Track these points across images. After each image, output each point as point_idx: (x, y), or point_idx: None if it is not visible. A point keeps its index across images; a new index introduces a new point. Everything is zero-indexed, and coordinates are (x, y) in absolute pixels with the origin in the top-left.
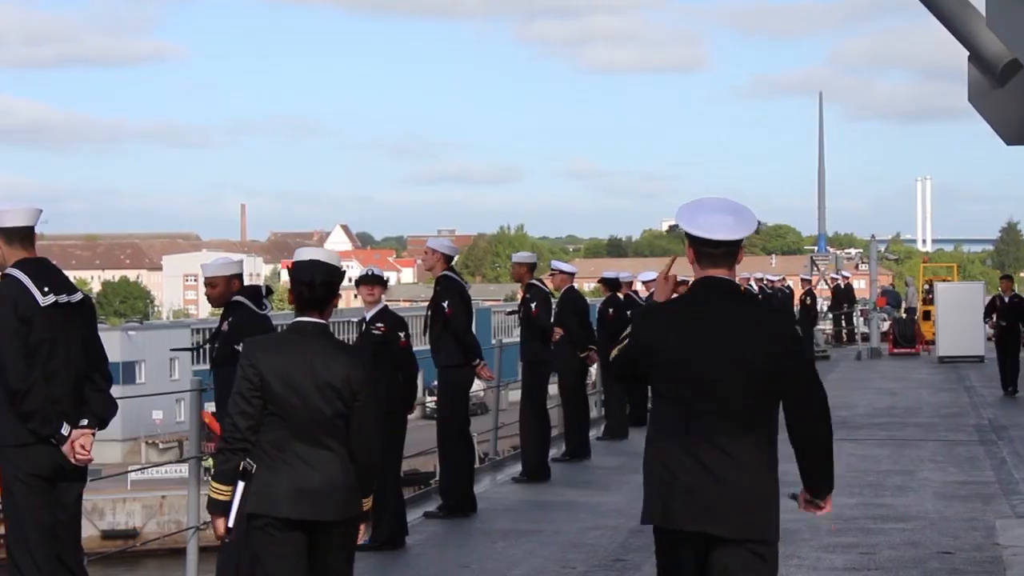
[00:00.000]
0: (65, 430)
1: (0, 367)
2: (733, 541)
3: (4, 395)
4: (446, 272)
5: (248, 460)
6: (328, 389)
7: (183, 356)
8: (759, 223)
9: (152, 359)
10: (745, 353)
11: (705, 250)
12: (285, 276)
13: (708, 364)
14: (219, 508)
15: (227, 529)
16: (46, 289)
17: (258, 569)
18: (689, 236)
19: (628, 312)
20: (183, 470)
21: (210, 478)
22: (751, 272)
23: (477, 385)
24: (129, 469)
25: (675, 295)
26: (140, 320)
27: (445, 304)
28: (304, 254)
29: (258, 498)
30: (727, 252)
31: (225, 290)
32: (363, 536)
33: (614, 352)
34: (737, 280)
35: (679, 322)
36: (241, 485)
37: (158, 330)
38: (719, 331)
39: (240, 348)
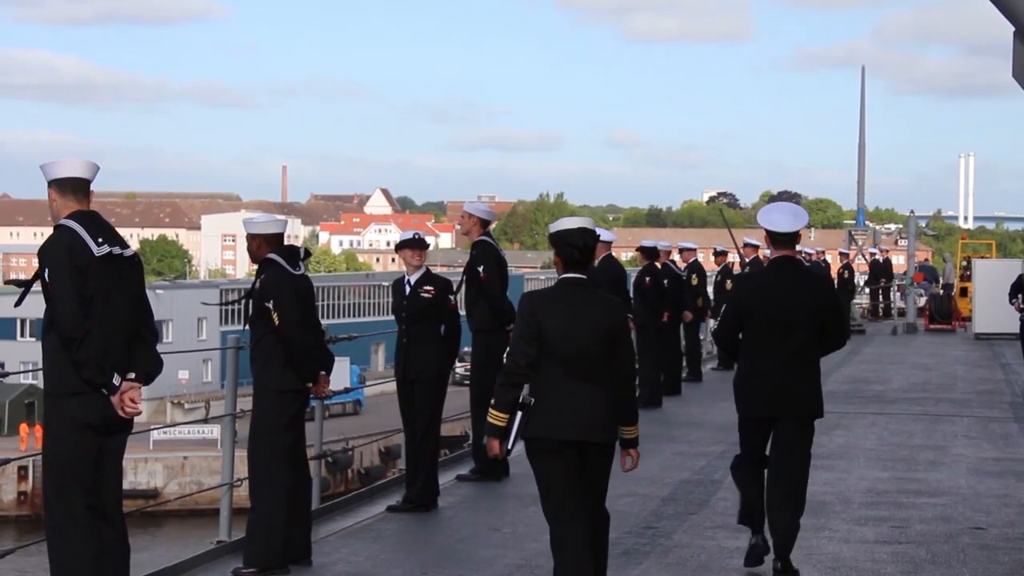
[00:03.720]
0: (117, 381)
1: (55, 315)
2: (792, 418)
3: (57, 343)
4: (483, 237)
5: (526, 394)
6: (595, 332)
7: (211, 316)
8: (799, 196)
9: (180, 319)
10: (804, 303)
11: (777, 238)
12: (324, 238)
13: (784, 310)
14: (497, 432)
15: (503, 450)
16: (100, 240)
17: (539, 484)
18: (769, 232)
19: (666, 281)
20: (207, 431)
21: (491, 407)
22: None
23: None
24: (163, 425)
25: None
26: (172, 279)
27: (481, 268)
28: (572, 223)
29: (537, 424)
30: (789, 239)
31: (260, 248)
32: (636, 462)
33: (719, 323)
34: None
35: (764, 285)
36: (519, 415)
37: (187, 289)
38: (788, 290)
39: (270, 305)
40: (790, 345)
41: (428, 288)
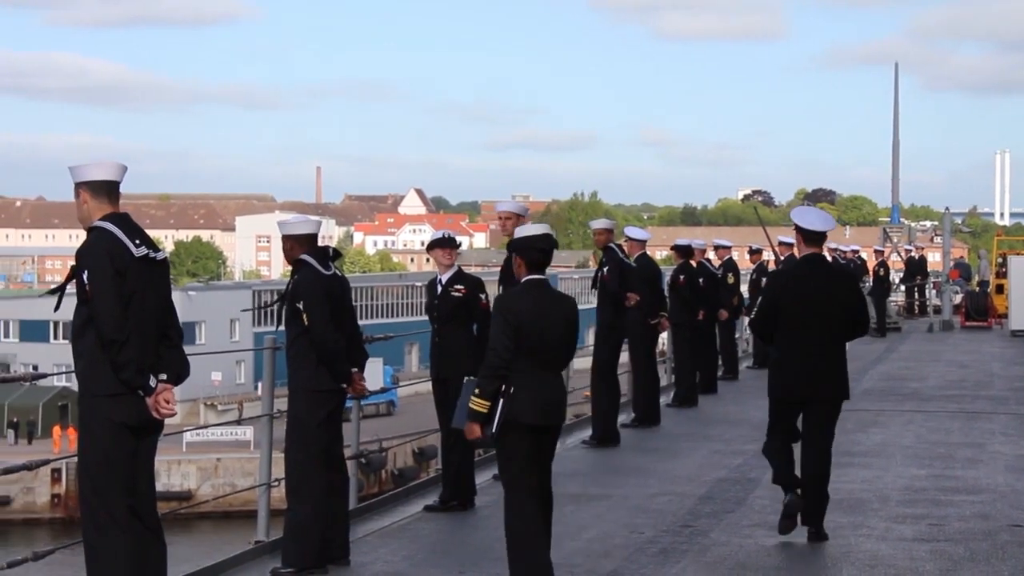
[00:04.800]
0: (153, 382)
1: (96, 317)
2: (823, 401)
3: (96, 346)
4: None
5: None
6: (560, 326)
7: (244, 317)
8: (834, 193)
9: (212, 320)
10: (833, 296)
11: (809, 236)
12: (358, 239)
13: (814, 303)
14: (480, 418)
15: (484, 435)
16: (137, 242)
17: (508, 463)
18: (800, 228)
19: (701, 280)
20: (240, 432)
21: (475, 396)
22: (825, 243)
23: None
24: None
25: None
26: (206, 280)
27: None
28: (536, 229)
29: (516, 410)
30: (820, 238)
31: (293, 249)
32: None
33: (754, 312)
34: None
35: (796, 280)
36: (501, 402)
37: (219, 291)
38: (818, 285)
39: (301, 306)
40: (820, 334)
41: (458, 287)
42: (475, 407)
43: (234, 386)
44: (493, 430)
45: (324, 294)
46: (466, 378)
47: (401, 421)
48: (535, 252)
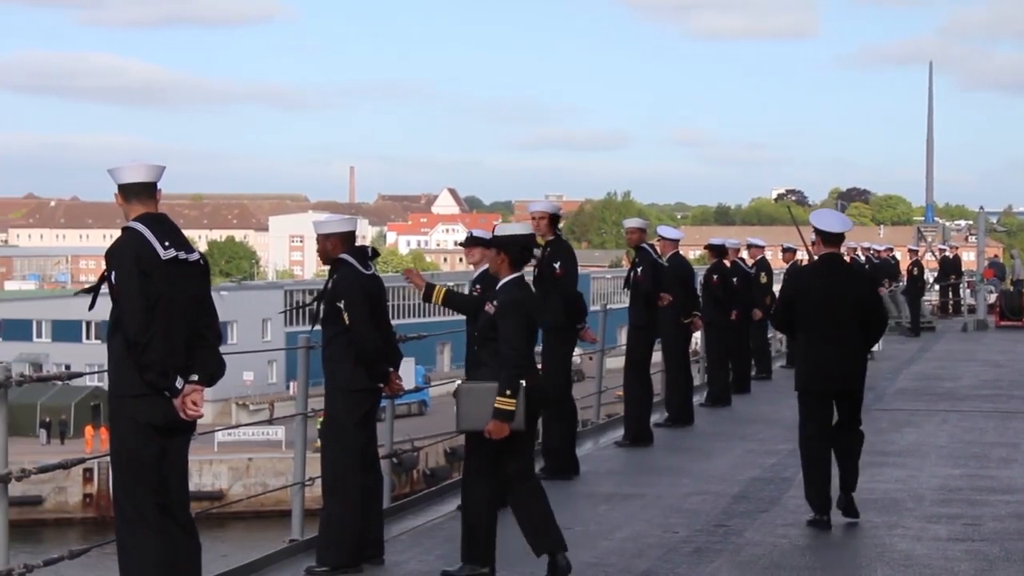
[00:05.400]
0: (179, 384)
1: (121, 318)
2: (847, 392)
3: (124, 346)
4: (557, 234)
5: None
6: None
7: (276, 317)
8: (868, 193)
9: (244, 320)
10: (847, 294)
11: (828, 237)
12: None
13: (829, 300)
14: (509, 416)
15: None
16: (167, 243)
17: (488, 450)
18: (818, 230)
19: (734, 279)
20: (271, 432)
21: (505, 396)
22: (858, 242)
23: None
24: (227, 426)
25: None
26: (239, 280)
27: (556, 265)
28: (520, 228)
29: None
30: (838, 239)
31: (334, 248)
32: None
33: (772, 309)
34: (845, 249)
35: (814, 277)
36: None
37: (251, 291)
38: (834, 283)
39: (341, 305)
40: (838, 330)
41: (478, 287)
42: (504, 406)
43: (266, 386)
44: (523, 426)
45: (364, 293)
46: (460, 383)
47: (433, 421)
48: (520, 250)
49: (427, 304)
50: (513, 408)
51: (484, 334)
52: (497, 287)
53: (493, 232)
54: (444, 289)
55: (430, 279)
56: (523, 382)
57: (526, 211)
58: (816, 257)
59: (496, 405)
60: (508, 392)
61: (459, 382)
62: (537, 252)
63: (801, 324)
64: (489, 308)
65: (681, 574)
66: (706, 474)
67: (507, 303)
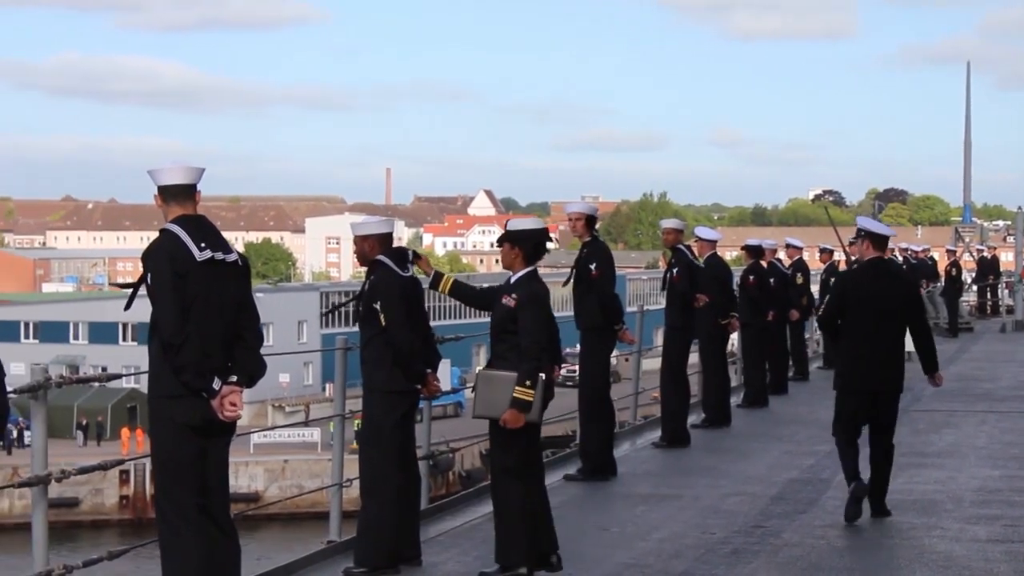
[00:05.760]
0: (216, 385)
1: (156, 320)
2: (887, 392)
3: (159, 348)
4: (594, 235)
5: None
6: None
7: (312, 319)
8: (906, 193)
9: (280, 322)
10: (892, 295)
11: (877, 241)
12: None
13: (875, 301)
14: (527, 407)
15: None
16: (203, 245)
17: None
18: (869, 233)
19: (771, 280)
20: (307, 434)
21: (525, 387)
22: (896, 243)
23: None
24: (262, 428)
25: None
26: (275, 282)
27: (593, 266)
28: (534, 222)
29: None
30: (885, 243)
31: (372, 249)
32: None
33: (821, 308)
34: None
35: (860, 280)
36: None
37: (287, 293)
38: (879, 284)
39: (378, 306)
40: (882, 331)
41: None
42: (523, 396)
43: (302, 388)
44: (538, 418)
45: (401, 295)
46: (480, 370)
47: (468, 423)
48: (534, 245)
49: (435, 293)
50: (532, 399)
51: (502, 327)
52: (512, 281)
53: (505, 227)
54: (452, 279)
55: (466, 280)
56: (542, 375)
57: (563, 212)
58: (854, 258)
59: (515, 395)
60: (528, 383)
61: (479, 370)
62: (551, 246)
63: (846, 325)
64: (508, 301)
65: (719, 575)
66: (744, 475)
67: (527, 296)
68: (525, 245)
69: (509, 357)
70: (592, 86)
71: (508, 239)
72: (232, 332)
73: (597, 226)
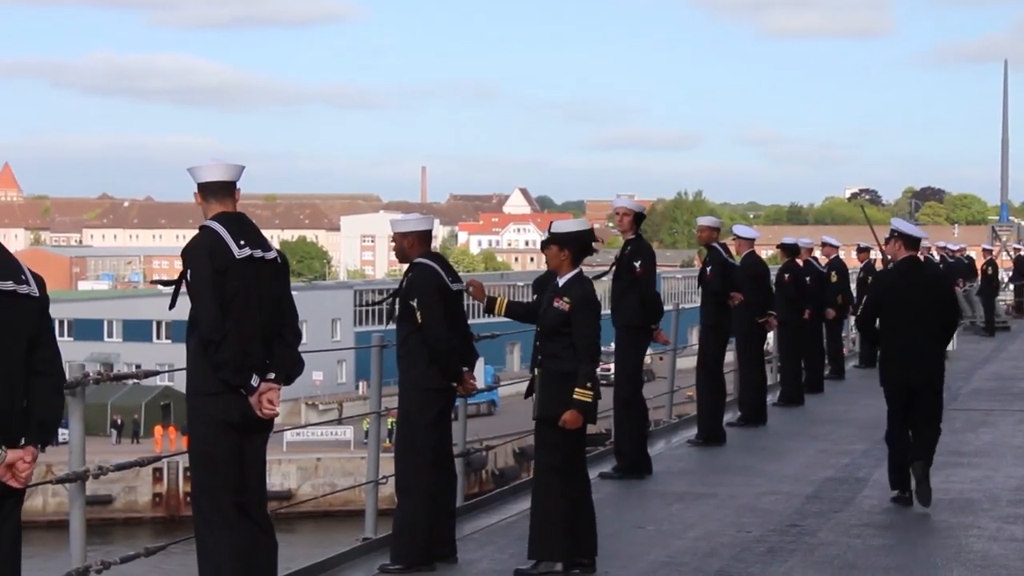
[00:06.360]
0: (255, 382)
1: (195, 316)
2: (927, 387)
3: (198, 344)
4: (639, 233)
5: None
6: None
7: (345, 317)
8: (943, 192)
9: (313, 319)
10: (926, 293)
11: (911, 242)
12: (463, 238)
13: (911, 300)
14: (587, 407)
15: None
16: (242, 242)
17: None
18: (903, 234)
19: (807, 278)
20: (340, 432)
21: (586, 388)
22: (933, 241)
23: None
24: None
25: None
26: (310, 280)
27: (637, 264)
28: (581, 224)
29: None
30: (918, 244)
31: (411, 247)
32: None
33: (859, 310)
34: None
35: (896, 279)
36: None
37: (321, 291)
38: (914, 283)
39: (415, 304)
40: (916, 329)
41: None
42: (584, 398)
43: (335, 386)
44: (594, 420)
45: (438, 292)
46: (537, 370)
47: (502, 421)
48: (582, 246)
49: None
50: (591, 400)
51: (556, 329)
52: (562, 283)
53: (550, 229)
54: (506, 301)
55: (499, 279)
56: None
57: (607, 208)
58: (890, 256)
59: (576, 396)
60: (588, 384)
61: (537, 371)
62: (596, 246)
63: (884, 322)
64: (560, 304)
65: (754, 574)
66: (779, 474)
67: (581, 299)
68: (572, 246)
69: (563, 356)
70: (627, 84)
71: (555, 241)
72: (271, 330)
73: (642, 223)
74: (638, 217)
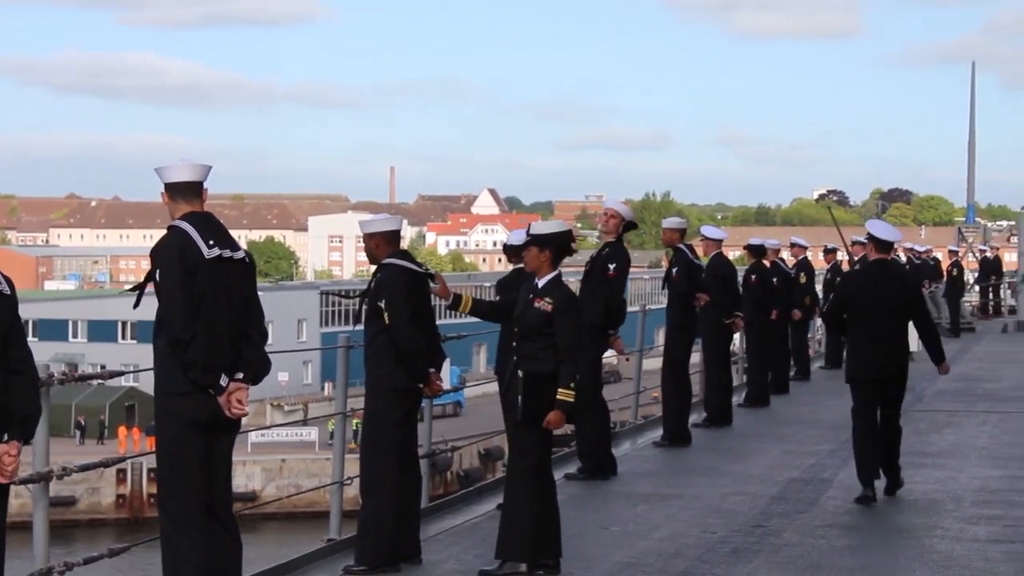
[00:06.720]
0: (223, 381)
1: (164, 317)
2: (895, 380)
3: (167, 344)
4: (620, 238)
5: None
6: None
7: (311, 317)
8: (910, 193)
9: (280, 320)
10: (893, 294)
11: (881, 245)
12: (431, 238)
13: (879, 298)
14: (570, 407)
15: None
16: (211, 242)
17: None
18: (874, 238)
19: (774, 279)
20: (305, 433)
21: (569, 389)
22: (899, 243)
23: (610, 352)
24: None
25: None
26: (277, 280)
27: (611, 266)
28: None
29: None
30: (890, 247)
31: (378, 247)
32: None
33: (827, 306)
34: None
35: (866, 279)
36: None
37: (287, 291)
38: (883, 284)
39: (382, 305)
40: (884, 327)
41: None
42: (567, 398)
43: (301, 386)
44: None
45: (407, 293)
46: (520, 372)
47: (467, 422)
48: (561, 247)
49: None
50: (573, 400)
51: (537, 329)
52: (541, 284)
53: (528, 230)
54: (472, 299)
55: (466, 280)
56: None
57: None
58: (856, 258)
59: (560, 396)
60: (572, 385)
61: (520, 372)
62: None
63: (853, 321)
64: (542, 305)
65: (719, 574)
66: (744, 475)
67: (565, 301)
68: (552, 247)
69: (540, 357)
70: (596, 85)
71: (536, 242)
72: (238, 330)
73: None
74: (628, 225)
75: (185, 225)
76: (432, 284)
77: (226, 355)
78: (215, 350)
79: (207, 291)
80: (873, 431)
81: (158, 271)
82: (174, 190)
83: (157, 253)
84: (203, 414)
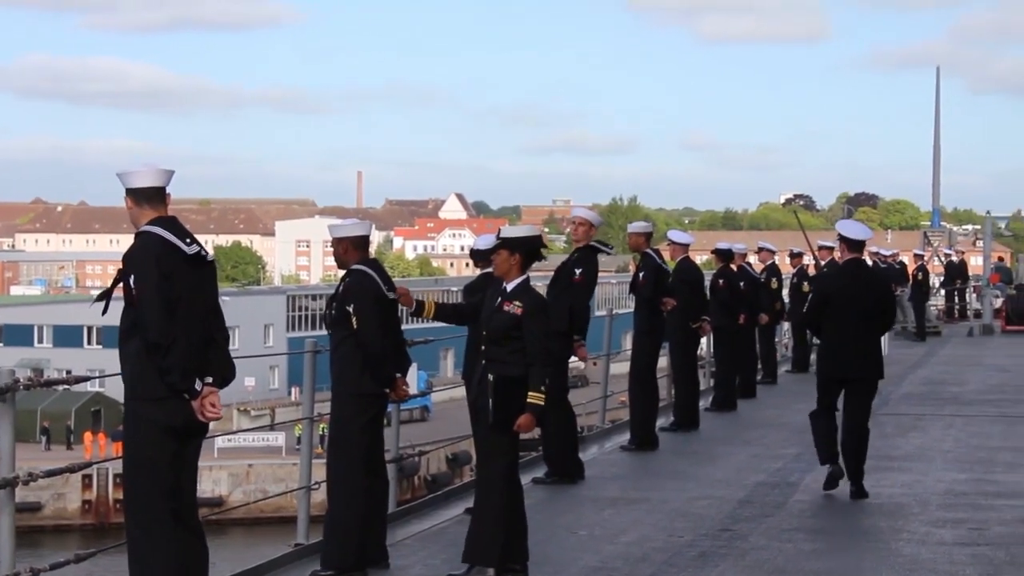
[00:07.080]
0: (199, 386)
1: (141, 320)
2: (860, 380)
3: (142, 349)
4: (590, 244)
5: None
6: None
7: (278, 322)
8: (877, 197)
9: (246, 325)
10: (870, 294)
11: (853, 245)
12: (398, 243)
13: (853, 298)
14: (541, 411)
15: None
16: (188, 240)
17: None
18: (845, 238)
19: (741, 283)
20: (272, 438)
21: (540, 392)
22: (867, 247)
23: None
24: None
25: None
26: (243, 285)
27: (579, 271)
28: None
29: None
30: (861, 246)
31: (346, 252)
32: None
33: (806, 308)
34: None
35: (839, 279)
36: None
37: (254, 296)
38: (856, 283)
39: (351, 310)
40: (860, 325)
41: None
42: (538, 401)
43: (267, 391)
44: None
45: (375, 298)
46: (491, 376)
47: (435, 427)
48: (531, 252)
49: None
50: (543, 403)
51: (505, 333)
52: (510, 288)
53: (499, 235)
54: (434, 304)
55: (433, 285)
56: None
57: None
58: (823, 262)
59: (530, 400)
60: (543, 388)
61: (491, 376)
62: (545, 252)
63: (827, 320)
64: (512, 308)
65: None
66: (711, 478)
67: (534, 304)
68: (523, 252)
69: (509, 361)
70: (563, 89)
71: (506, 246)
72: (209, 333)
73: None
74: (593, 227)
75: (157, 229)
76: (393, 295)
77: (199, 359)
78: (191, 354)
79: (183, 295)
80: (832, 421)
81: (133, 276)
82: (138, 195)
83: (132, 258)
84: (177, 419)
